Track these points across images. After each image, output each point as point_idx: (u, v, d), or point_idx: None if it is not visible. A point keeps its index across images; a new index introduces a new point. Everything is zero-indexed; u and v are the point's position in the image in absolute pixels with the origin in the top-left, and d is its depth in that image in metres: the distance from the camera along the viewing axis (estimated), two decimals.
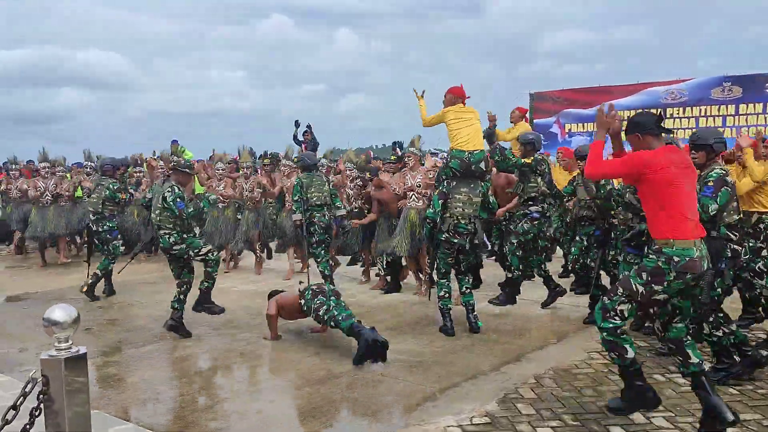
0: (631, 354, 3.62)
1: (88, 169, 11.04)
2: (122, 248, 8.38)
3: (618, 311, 3.61)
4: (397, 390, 4.60)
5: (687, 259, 3.47)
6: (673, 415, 4.02)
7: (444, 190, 5.95)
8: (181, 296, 6.25)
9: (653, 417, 3.97)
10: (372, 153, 11.39)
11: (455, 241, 5.96)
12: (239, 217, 9.50)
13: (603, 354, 5.25)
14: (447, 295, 6.08)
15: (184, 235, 6.26)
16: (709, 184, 4.43)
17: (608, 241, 6.32)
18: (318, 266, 7.70)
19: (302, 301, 5.72)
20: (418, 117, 6.39)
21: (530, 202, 6.77)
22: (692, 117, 19.92)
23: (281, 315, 5.96)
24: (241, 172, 10.29)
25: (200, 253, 6.32)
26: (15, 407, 2.35)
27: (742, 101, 18.05)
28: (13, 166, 11.67)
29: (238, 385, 4.83)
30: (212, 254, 6.42)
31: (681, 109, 19.95)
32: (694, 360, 3.68)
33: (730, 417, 3.55)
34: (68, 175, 11.40)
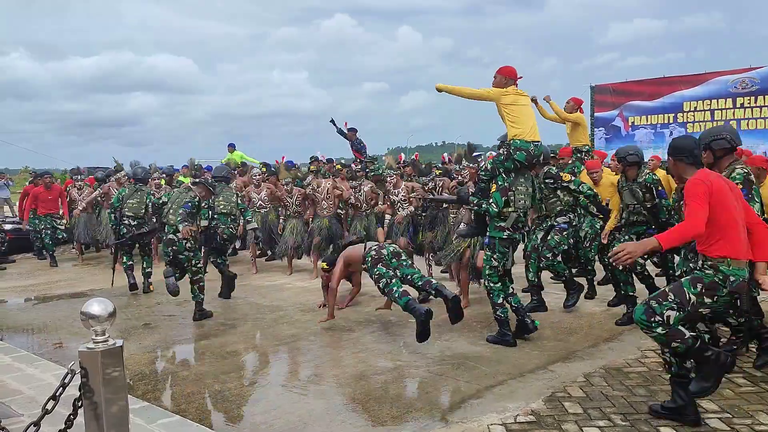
0: (688, 333, 3.58)
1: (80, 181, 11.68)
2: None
3: (664, 317, 3.56)
4: (441, 387, 4.56)
5: (741, 279, 3.53)
6: (730, 416, 3.83)
7: (505, 184, 5.46)
8: (196, 286, 6.87)
9: (708, 418, 3.79)
10: (417, 155, 11.33)
11: (516, 237, 5.59)
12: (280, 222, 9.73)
13: (658, 352, 5.06)
14: (504, 301, 5.61)
15: (197, 246, 6.92)
16: (740, 186, 4.23)
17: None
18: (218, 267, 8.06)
19: (364, 265, 5.98)
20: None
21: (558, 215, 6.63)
22: (764, 106, 19.06)
23: (351, 269, 6.31)
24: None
25: (194, 267, 6.88)
26: (54, 397, 2.44)
27: None
28: (80, 177, 12.13)
29: (284, 380, 4.89)
30: (201, 275, 6.96)
31: (752, 98, 19.12)
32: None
33: None
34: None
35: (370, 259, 5.88)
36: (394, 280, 5.63)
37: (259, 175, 10.03)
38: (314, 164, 10.11)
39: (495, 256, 5.55)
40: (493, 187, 5.50)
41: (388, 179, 8.61)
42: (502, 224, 5.48)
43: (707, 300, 3.54)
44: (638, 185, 5.96)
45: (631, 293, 6.08)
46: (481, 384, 4.56)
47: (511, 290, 5.74)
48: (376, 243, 6.17)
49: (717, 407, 3.95)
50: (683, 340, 3.54)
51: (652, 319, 3.56)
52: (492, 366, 4.95)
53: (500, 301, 5.58)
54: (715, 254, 3.53)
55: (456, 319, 5.53)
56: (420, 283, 5.67)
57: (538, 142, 5.47)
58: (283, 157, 10.19)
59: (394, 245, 6.34)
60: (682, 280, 3.65)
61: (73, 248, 12.61)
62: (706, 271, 3.56)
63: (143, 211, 8.58)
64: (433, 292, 5.60)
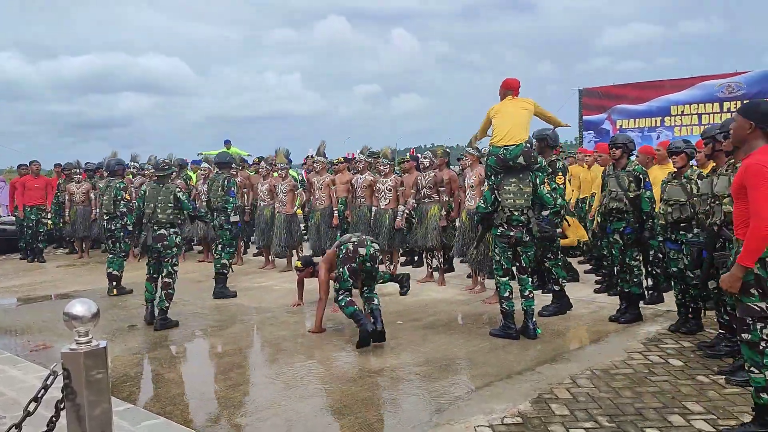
0: None
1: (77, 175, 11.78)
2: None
3: (765, 336, 3.44)
4: (429, 389, 4.54)
5: None
6: (715, 417, 3.84)
7: (493, 184, 5.81)
8: (164, 292, 6.60)
9: (693, 420, 3.81)
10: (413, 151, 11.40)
11: (511, 233, 5.72)
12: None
13: (643, 354, 5.10)
14: (510, 295, 5.76)
15: (179, 240, 6.77)
16: None
17: (646, 241, 6.06)
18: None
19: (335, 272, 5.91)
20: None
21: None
22: None
23: (333, 275, 6.05)
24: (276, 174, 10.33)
25: (173, 263, 6.69)
26: (36, 399, 2.41)
27: None
28: (77, 171, 12.02)
29: (271, 383, 4.86)
30: (175, 269, 6.73)
31: (739, 102, 19.27)
32: None
33: None
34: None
35: (344, 250, 5.78)
36: (345, 294, 5.67)
37: (264, 168, 10.09)
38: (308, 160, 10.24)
39: (496, 251, 5.87)
40: (486, 187, 6.02)
41: (380, 168, 8.71)
42: (496, 222, 5.81)
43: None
44: (626, 173, 6.00)
45: (627, 290, 6.10)
46: (468, 385, 4.55)
47: (527, 292, 5.80)
48: (356, 237, 5.93)
49: (702, 408, 3.97)
50: None
51: (759, 349, 3.44)
52: (479, 367, 4.95)
53: (506, 294, 5.77)
54: None
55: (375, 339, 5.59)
56: (371, 311, 5.73)
57: (511, 145, 5.67)
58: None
59: (375, 245, 6.01)
60: (740, 297, 3.48)
61: (65, 249, 12.54)
62: (757, 271, 3.38)
63: (113, 205, 8.50)
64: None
